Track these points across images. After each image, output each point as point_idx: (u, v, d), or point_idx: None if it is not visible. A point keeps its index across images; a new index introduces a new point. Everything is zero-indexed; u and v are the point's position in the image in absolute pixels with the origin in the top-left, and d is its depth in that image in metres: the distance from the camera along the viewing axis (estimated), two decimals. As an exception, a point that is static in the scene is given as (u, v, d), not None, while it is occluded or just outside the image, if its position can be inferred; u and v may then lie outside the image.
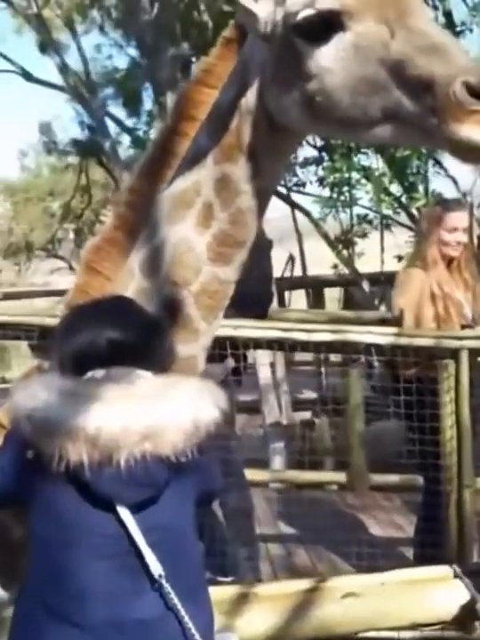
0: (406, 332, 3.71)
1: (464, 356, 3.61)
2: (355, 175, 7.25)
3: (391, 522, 5.35)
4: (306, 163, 7.66)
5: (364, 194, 7.37)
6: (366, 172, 7.12)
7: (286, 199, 8.49)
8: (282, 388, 7.73)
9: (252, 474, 6.03)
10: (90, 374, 1.76)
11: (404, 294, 4.08)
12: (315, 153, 7.55)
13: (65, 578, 1.63)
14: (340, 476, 6.05)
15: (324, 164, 7.42)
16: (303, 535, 5.13)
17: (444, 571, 2.10)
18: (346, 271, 8.37)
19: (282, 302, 10.72)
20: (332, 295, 11.54)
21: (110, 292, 2.06)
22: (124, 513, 1.65)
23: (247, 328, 3.62)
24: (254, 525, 4.05)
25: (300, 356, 9.60)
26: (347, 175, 7.22)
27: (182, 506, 1.76)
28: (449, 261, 4.11)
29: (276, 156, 1.90)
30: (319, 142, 7.82)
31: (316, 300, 9.54)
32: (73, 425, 1.62)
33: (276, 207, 9.37)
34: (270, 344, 3.79)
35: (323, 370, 8.59)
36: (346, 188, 7.34)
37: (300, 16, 1.59)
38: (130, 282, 2.03)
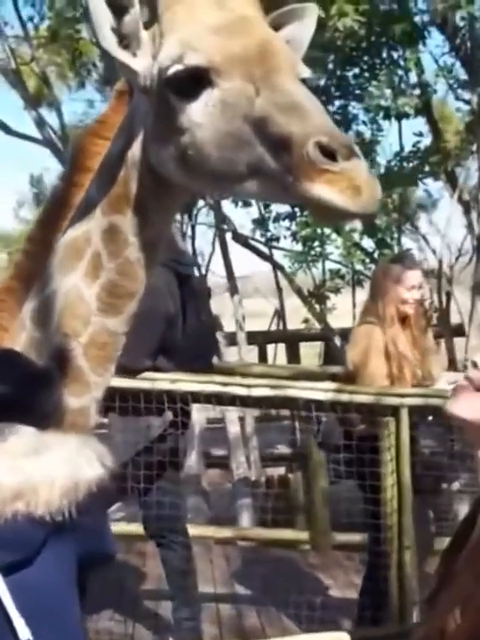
0: (347, 388, 3.67)
1: (404, 414, 3.57)
2: (326, 230, 7.23)
3: (350, 583, 5.24)
4: (278, 217, 7.65)
5: (334, 248, 7.35)
6: (336, 227, 7.12)
7: (261, 254, 8.51)
8: (251, 443, 7.66)
9: (215, 531, 6.00)
10: None
11: (356, 349, 4.05)
12: (288, 208, 7.55)
13: None
14: (304, 535, 5.95)
15: (297, 219, 7.42)
16: (258, 596, 5.02)
17: (339, 636, 2.03)
18: (317, 326, 8.36)
19: (263, 356, 10.76)
20: (315, 350, 11.55)
21: (8, 342, 2.04)
22: None
23: (185, 382, 3.58)
24: (196, 584, 3.95)
25: (276, 411, 9.58)
26: (319, 230, 7.20)
27: (60, 567, 1.67)
28: (402, 318, 4.09)
29: (162, 209, 1.90)
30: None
31: (292, 355, 9.53)
32: None
33: (261, 262, 9.42)
34: (208, 398, 3.75)
35: (297, 425, 8.49)
36: (317, 243, 7.33)
37: (171, 71, 1.60)
38: (22, 332, 2.02)
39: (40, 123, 8.09)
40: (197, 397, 3.69)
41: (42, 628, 1.57)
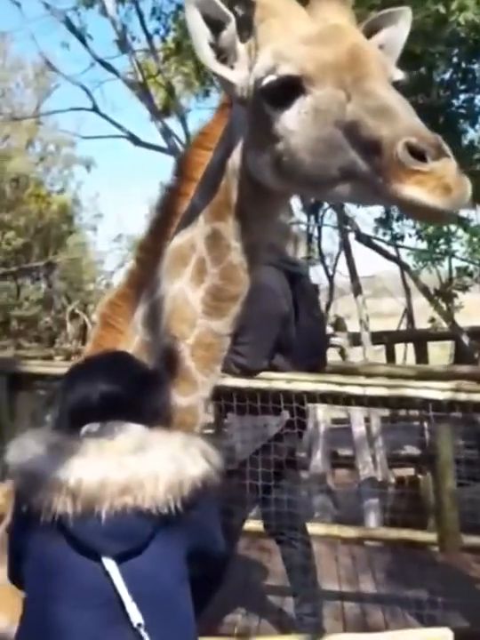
0: (465, 387, 3.63)
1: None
2: (452, 227, 7.12)
3: (477, 584, 5.14)
4: (402, 216, 7.58)
5: (459, 246, 7.21)
6: (463, 224, 7.00)
7: (385, 253, 8.44)
8: (377, 444, 7.62)
9: (340, 530, 6.03)
10: (85, 429, 1.82)
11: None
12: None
13: (51, 630, 1.68)
14: (431, 536, 5.88)
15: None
16: (382, 594, 5.01)
17: (442, 632, 2.04)
18: (444, 325, 8.21)
19: (391, 356, 10.65)
20: (447, 350, 11.31)
21: (123, 345, 2.18)
22: (109, 563, 1.69)
23: (300, 381, 3.65)
24: (317, 581, 4.01)
25: (406, 412, 9.47)
26: (444, 228, 7.09)
27: (168, 558, 1.77)
28: None
29: (262, 215, 1.99)
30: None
31: (420, 354, 9.40)
32: (56, 478, 1.69)
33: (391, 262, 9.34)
34: (324, 398, 3.80)
35: (426, 425, 8.37)
36: (442, 241, 7.21)
37: (265, 81, 1.69)
38: (135, 336, 2.16)
39: (166, 132, 8.38)
40: (313, 397, 3.74)
41: (152, 615, 1.68)
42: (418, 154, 1.46)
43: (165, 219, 2.15)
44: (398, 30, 1.95)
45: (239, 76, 1.80)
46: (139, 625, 1.66)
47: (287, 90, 1.67)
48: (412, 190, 1.47)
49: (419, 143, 1.47)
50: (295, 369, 3.75)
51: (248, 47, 1.81)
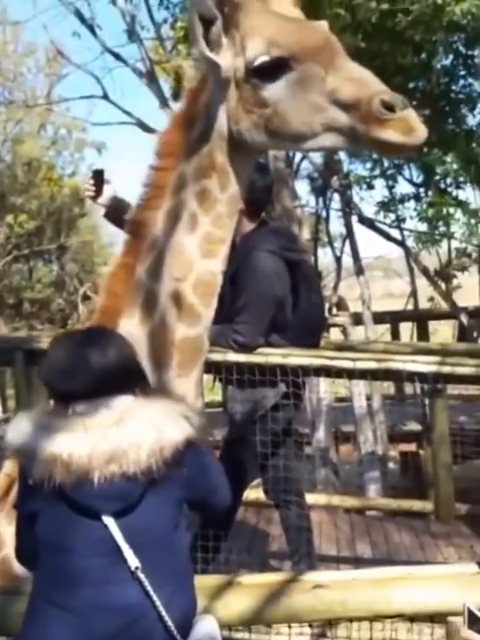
0: (449, 361, 3.90)
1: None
2: (451, 210, 7.34)
3: (468, 549, 5.42)
4: (403, 199, 7.82)
5: (458, 228, 7.44)
6: (462, 206, 7.23)
7: (387, 236, 8.68)
8: (377, 419, 7.90)
9: (342, 500, 6.35)
10: (71, 408, 2.03)
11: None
12: (412, 189, 7.71)
13: (63, 575, 1.96)
14: (429, 505, 6.18)
15: (422, 200, 7.57)
16: (378, 559, 5.30)
17: (404, 570, 2.33)
18: (443, 305, 8.46)
19: (396, 336, 10.88)
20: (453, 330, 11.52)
21: (126, 307, 2.49)
22: (108, 519, 1.94)
23: (295, 356, 3.93)
24: (311, 540, 4.30)
25: (409, 388, 9.72)
26: (444, 210, 7.32)
27: (161, 510, 2.02)
28: None
29: (239, 168, 2.42)
30: (415, 178, 8.04)
31: (421, 334, 9.66)
32: (51, 453, 1.93)
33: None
34: (317, 371, 4.08)
35: (426, 401, 8.62)
36: (441, 223, 7.45)
37: (258, 62, 2.18)
38: (140, 290, 2.50)
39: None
40: (307, 370, 4.02)
41: (148, 560, 1.95)
42: (388, 107, 2.01)
43: (152, 192, 2.50)
44: None
45: (224, 60, 2.25)
46: (136, 568, 1.92)
47: (276, 68, 2.15)
48: (387, 133, 2.03)
49: (390, 99, 2.02)
50: (291, 347, 4.03)
51: (231, 38, 2.24)
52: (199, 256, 2.43)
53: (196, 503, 2.18)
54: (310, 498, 4.89)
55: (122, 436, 1.94)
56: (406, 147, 2.06)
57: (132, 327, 2.45)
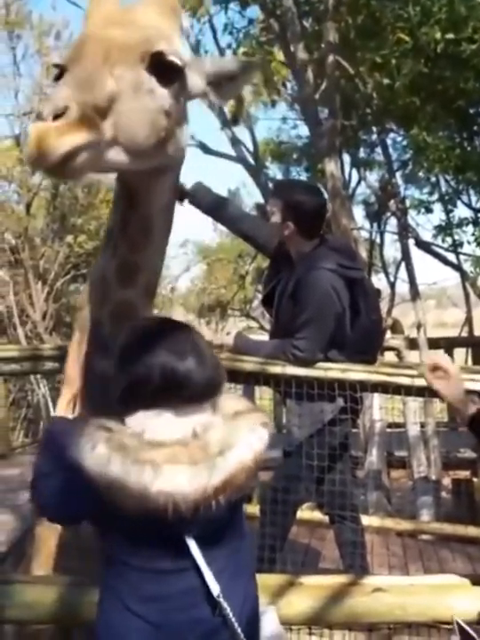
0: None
1: None
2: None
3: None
4: (461, 223, 7.82)
5: (517, 252, 7.41)
6: (521, 233, 7.21)
7: (445, 261, 8.67)
8: (431, 445, 7.85)
9: (395, 522, 6.32)
10: (151, 414, 1.80)
11: None
12: (470, 213, 7.71)
13: (144, 588, 1.81)
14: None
15: (480, 224, 7.56)
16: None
17: (461, 580, 2.37)
18: (500, 330, 8.40)
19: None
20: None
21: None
22: (191, 544, 1.78)
23: (354, 371, 3.97)
24: (365, 555, 4.31)
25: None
26: (503, 234, 7.29)
27: (236, 518, 1.92)
28: None
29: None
30: (474, 203, 8.03)
31: (477, 359, 9.58)
32: (160, 491, 1.68)
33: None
34: (375, 387, 4.11)
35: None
36: (499, 247, 7.43)
37: None
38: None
39: (234, 141, 8.80)
40: (365, 386, 4.06)
41: (224, 575, 1.83)
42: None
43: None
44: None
45: None
46: (218, 595, 1.78)
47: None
48: None
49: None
50: (349, 363, 4.08)
51: None
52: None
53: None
54: (363, 520, 4.88)
55: (229, 463, 1.76)
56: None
57: None
